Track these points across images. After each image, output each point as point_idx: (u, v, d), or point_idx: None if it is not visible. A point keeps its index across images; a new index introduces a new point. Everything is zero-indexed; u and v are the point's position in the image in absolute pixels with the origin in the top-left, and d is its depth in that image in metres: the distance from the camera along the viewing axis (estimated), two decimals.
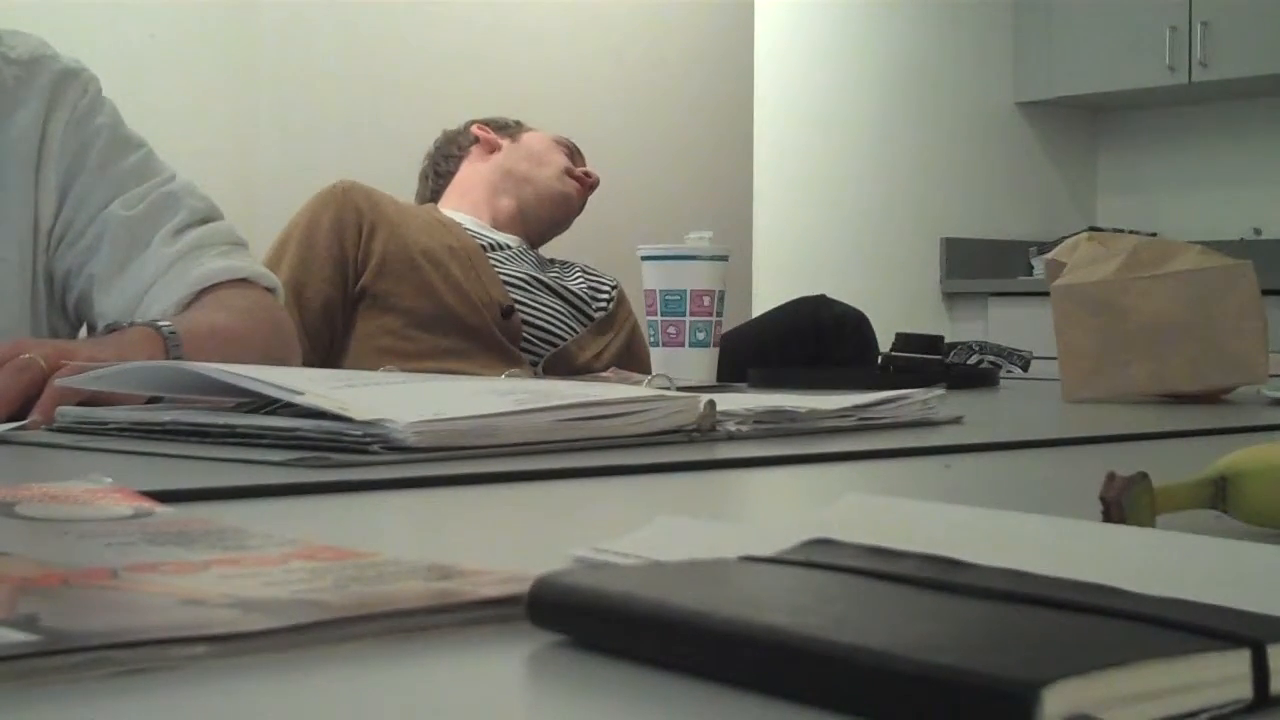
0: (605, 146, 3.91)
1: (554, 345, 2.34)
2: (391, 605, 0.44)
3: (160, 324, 1.30)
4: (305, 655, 0.41)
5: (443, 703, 0.39)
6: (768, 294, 4.28)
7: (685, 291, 1.78)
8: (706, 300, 1.78)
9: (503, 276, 2.34)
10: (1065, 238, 1.87)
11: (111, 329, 1.33)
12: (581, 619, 0.43)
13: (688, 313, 1.78)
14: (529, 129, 2.61)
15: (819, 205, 5.12)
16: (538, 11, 3.73)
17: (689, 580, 0.46)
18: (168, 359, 1.23)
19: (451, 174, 2.56)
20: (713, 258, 1.80)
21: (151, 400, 1.11)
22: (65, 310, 1.57)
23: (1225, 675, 0.37)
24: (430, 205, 2.50)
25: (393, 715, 0.38)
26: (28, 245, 1.52)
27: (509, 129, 2.59)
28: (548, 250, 2.56)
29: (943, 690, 0.34)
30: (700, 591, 0.43)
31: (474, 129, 2.57)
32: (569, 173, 2.52)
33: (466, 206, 2.47)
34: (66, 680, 0.38)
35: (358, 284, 2.25)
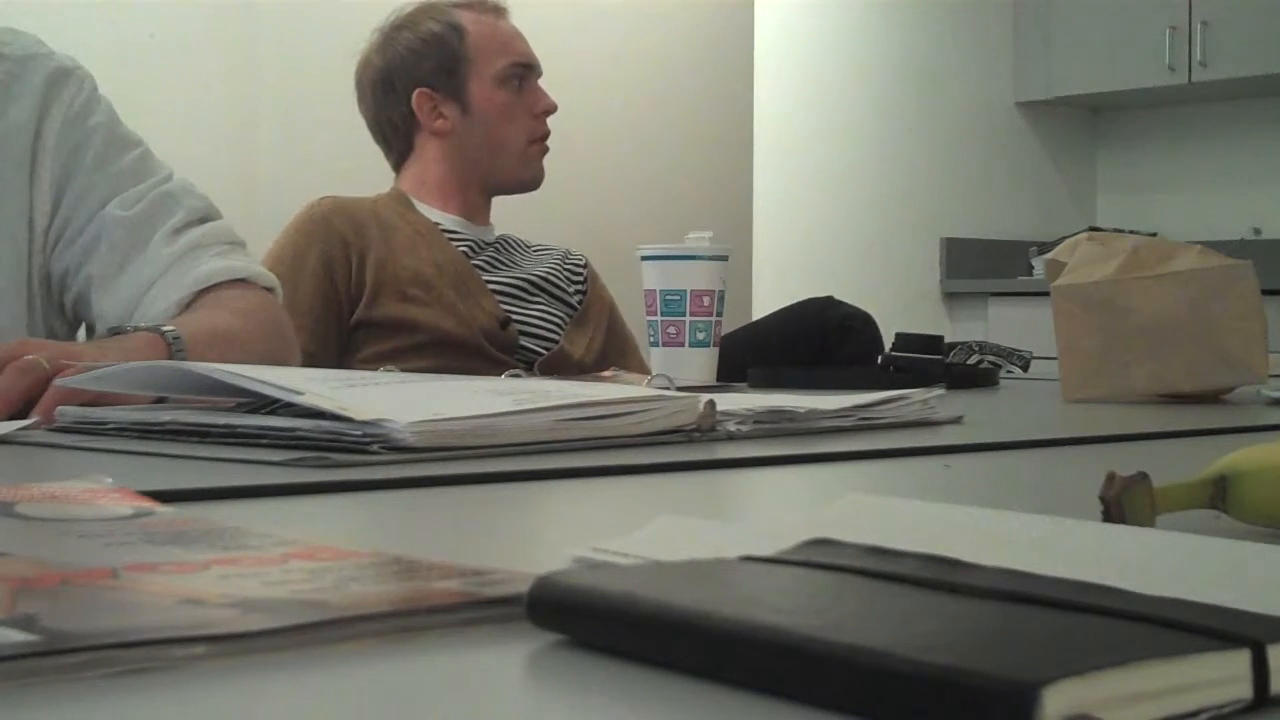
0: (605, 147, 3.92)
1: (547, 348, 2.33)
2: (391, 605, 0.44)
3: (164, 329, 1.30)
4: (305, 655, 0.41)
5: (443, 703, 0.39)
6: (768, 294, 4.28)
7: (685, 291, 1.78)
8: (706, 300, 1.78)
9: (492, 286, 2.32)
10: (1065, 238, 1.87)
11: (115, 332, 1.33)
12: (581, 619, 0.43)
13: (688, 313, 1.78)
14: (469, 55, 2.37)
15: (819, 205, 5.12)
16: (537, 11, 3.73)
17: (689, 580, 0.46)
18: None
19: (408, 142, 2.41)
20: (713, 258, 1.80)
21: (157, 402, 1.11)
22: (63, 310, 1.57)
23: (1225, 675, 0.37)
24: (403, 200, 2.38)
25: (393, 715, 0.38)
26: (23, 244, 1.52)
27: (452, 83, 2.37)
28: (519, 229, 2.53)
29: (943, 690, 0.34)
30: (700, 591, 0.43)
31: (415, 102, 2.37)
32: (531, 138, 2.39)
33: (437, 201, 2.38)
34: (66, 680, 0.38)
35: (352, 317, 2.23)
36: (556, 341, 2.34)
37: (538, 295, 2.38)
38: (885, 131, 5.29)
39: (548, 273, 2.42)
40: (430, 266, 2.26)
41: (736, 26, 4.22)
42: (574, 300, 2.44)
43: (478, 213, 2.41)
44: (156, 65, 3.19)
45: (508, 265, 2.40)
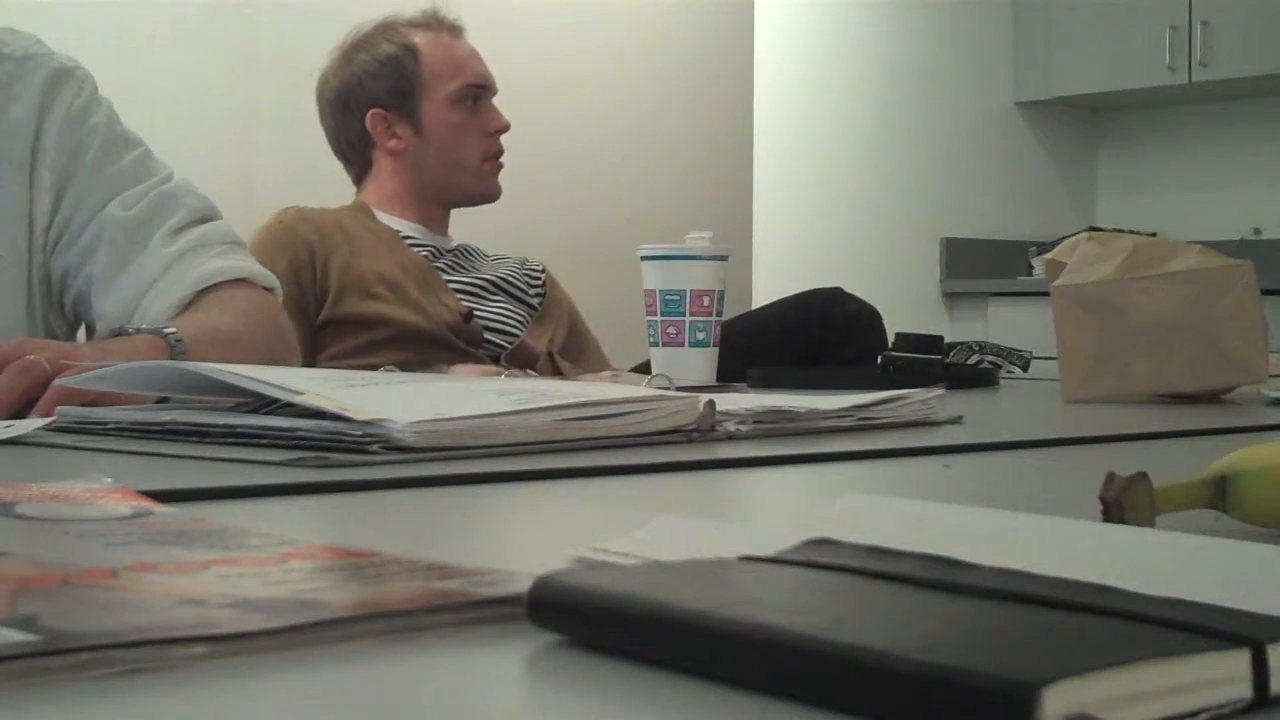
0: (605, 146, 3.92)
1: (510, 343, 2.36)
2: (391, 605, 0.44)
3: (166, 331, 1.30)
4: (305, 655, 0.41)
5: (443, 703, 0.39)
6: (767, 294, 4.28)
7: (685, 291, 1.78)
8: (706, 300, 1.78)
9: (453, 286, 2.37)
10: (1065, 238, 1.87)
11: (117, 333, 1.33)
12: (581, 619, 0.43)
13: (688, 313, 1.78)
14: (423, 77, 2.40)
15: (819, 205, 5.12)
16: (537, 11, 3.73)
17: (689, 580, 0.46)
18: None
19: (366, 159, 2.46)
20: (713, 258, 1.80)
21: (159, 402, 1.11)
22: (63, 310, 1.57)
23: (1225, 675, 0.37)
24: (365, 211, 2.42)
25: (393, 715, 0.38)
26: (23, 245, 1.52)
27: (406, 105, 2.40)
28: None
29: (943, 690, 0.34)
30: (700, 591, 0.43)
31: (369, 122, 2.41)
32: (484, 156, 2.42)
33: (397, 211, 2.43)
34: (66, 680, 0.38)
35: (319, 317, 2.28)
36: (518, 336, 2.39)
37: (498, 295, 2.43)
38: (885, 131, 5.29)
39: (507, 274, 2.48)
40: (394, 267, 2.31)
41: (736, 26, 4.22)
42: (534, 301, 2.48)
43: (436, 223, 2.47)
44: (156, 65, 3.19)
45: (467, 269, 2.46)
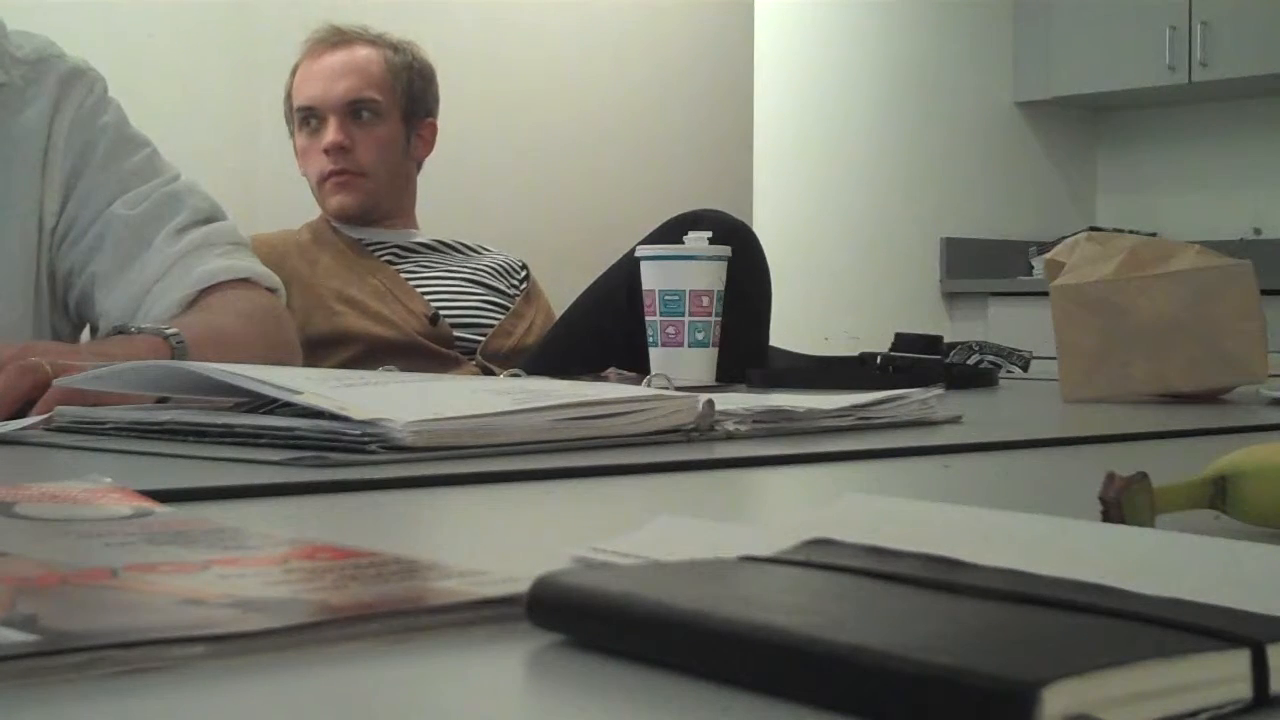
0: (605, 146, 3.91)
1: (484, 335, 2.37)
2: (391, 605, 0.44)
3: (168, 332, 1.30)
4: (305, 655, 0.41)
5: (443, 703, 0.39)
6: None
7: (684, 292, 1.77)
8: (705, 300, 1.78)
9: (421, 288, 2.37)
10: (1065, 238, 1.87)
11: (119, 331, 1.33)
12: (581, 619, 0.43)
13: (687, 313, 1.77)
14: (291, 96, 2.47)
15: (819, 205, 5.12)
16: (538, 11, 3.73)
17: (689, 580, 0.46)
18: None
19: None
20: (712, 258, 1.80)
21: (159, 402, 1.11)
22: (66, 309, 1.57)
23: (1225, 675, 0.37)
24: (326, 223, 2.44)
25: (393, 715, 0.38)
26: (32, 243, 1.52)
27: (289, 125, 2.50)
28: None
29: (943, 690, 0.34)
30: (700, 591, 0.43)
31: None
32: (319, 177, 2.43)
33: (345, 220, 2.47)
34: (66, 680, 0.38)
35: None
36: (493, 328, 2.39)
37: (473, 288, 2.43)
38: (885, 131, 5.29)
39: (485, 269, 2.48)
40: (352, 286, 2.32)
41: (736, 26, 4.22)
42: (510, 290, 2.49)
43: (385, 222, 2.46)
44: (156, 65, 3.18)
45: (439, 265, 2.45)
